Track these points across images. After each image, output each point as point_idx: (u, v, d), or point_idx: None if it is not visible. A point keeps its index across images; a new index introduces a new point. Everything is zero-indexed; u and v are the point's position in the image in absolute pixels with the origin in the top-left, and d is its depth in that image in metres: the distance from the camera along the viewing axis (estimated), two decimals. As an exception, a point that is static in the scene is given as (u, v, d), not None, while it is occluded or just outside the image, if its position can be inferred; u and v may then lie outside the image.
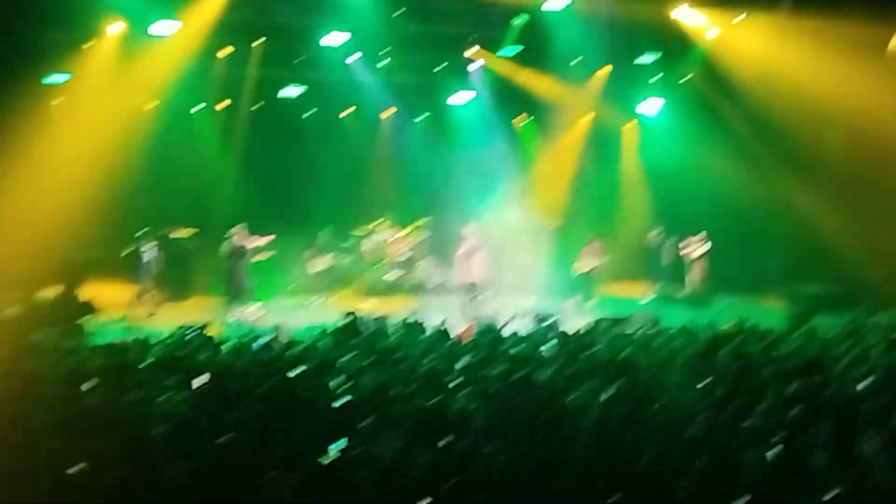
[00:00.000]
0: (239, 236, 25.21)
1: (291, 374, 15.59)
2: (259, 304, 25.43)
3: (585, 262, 27.94)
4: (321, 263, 27.16)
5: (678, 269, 29.39)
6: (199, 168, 28.87)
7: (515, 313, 21.40)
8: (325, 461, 11.92)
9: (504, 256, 29.79)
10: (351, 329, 19.46)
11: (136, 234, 25.77)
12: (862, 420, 12.23)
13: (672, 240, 29.67)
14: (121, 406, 13.82)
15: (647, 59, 30.00)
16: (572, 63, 29.78)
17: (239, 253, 25.20)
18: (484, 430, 13.03)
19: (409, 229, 29.72)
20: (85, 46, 26.10)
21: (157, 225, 27.52)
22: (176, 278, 27.30)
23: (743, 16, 27.92)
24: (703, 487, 10.40)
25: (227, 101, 29.66)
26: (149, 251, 25.61)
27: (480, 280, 25.83)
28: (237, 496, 10.80)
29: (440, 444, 12.18)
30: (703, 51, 29.41)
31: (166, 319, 21.89)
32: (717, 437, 12.05)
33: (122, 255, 25.54)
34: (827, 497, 10.02)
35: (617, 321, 21.80)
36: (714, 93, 30.18)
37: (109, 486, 10.98)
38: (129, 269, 25.89)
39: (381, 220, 29.76)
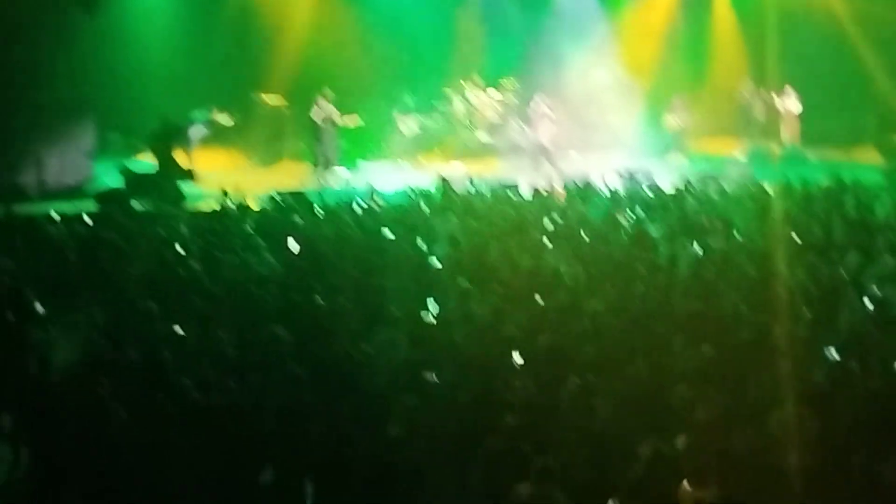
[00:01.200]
0: (325, 106, 25.31)
1: (388, 237, 15.80)
2: (348, 167, 25.60)
3: (674, 118, 27.61)
4: (411, 124, 27.05)
5: (771, 123, 28.84)
6: (288, 34, 28.71)
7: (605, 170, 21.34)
8: (426, 319, 12.14)
9: (592, 114, 29.55)
10: (445, 191, 19.60)
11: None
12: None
13: (764, 93, 29.05)
14: (220, 269, 14.16)
15: None
16: None
17: (328, 120, 25.33)
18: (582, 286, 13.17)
19: (497, 89, 29.41)
20: None
21: (247, 89, 27.70)
22: (265, 143, 27.47)
23: None
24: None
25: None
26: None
27: (549, 145, 25.93)
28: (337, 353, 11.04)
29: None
30: None
31: (258, 184, 22.09)
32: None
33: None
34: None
35: (712, 177, 21.65)
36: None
37: (207, 344, 11.33)
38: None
39: (470, 79, 29.47)
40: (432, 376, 10.27)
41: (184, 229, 16.30)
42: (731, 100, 29.74)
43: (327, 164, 25.17)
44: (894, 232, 15.66)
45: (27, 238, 15.38)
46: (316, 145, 25.57)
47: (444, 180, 20.62)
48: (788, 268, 13.58)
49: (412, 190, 20.07)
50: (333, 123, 25.30)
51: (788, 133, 28.19)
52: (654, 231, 16.05)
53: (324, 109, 25.48)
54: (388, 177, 24.50)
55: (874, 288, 12.79)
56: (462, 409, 9.64)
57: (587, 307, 12.00)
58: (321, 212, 18.03)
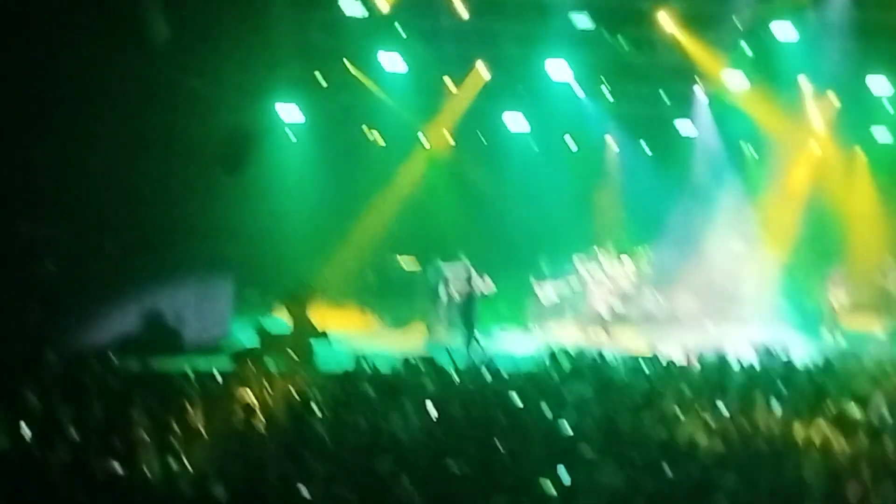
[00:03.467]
0: (464, 272, 25.64)
1: (517, 403, 15.70)
2: (482, 332, 25.69)
3: (833, 295, 27.07)
4: (547, 290, 27.10)
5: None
6: (425, 197, 29.26)
7: (741, 345, 20.98)
8: (550, 490, 11.93)
9: (729, 286, 29.29)
10: (575, 360, 19.49)
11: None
12: None
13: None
14: (349, 432, 14.19)
15: (879, 81, 28.93)
16: (797, 89, 29.12)
17: (465, 284, 25.54)
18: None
19: (630, 258, 29.44)
20: (319, 80, 26.91)
21: (384, 251, 28.19)
22: (399, 305, 27.74)
23: None
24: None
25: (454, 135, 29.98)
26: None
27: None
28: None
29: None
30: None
31: (389, 345, 22.30)
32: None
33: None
34: None
35: (852, 355, 21.16)
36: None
37: None
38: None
39: (604, 246, 29.60)
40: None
41: (315, 390, 16.41)
42: (872, 275, 29.33)
43: (462, 329, 25.28)
44: None
45: (160, 394, 15.57)
46: (450, 310, 25.80)
47: (574, 348, 20.60)
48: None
49: (545, 356, 19.98)
50: (470, 288, 25.49)
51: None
52: (782, 407, 15.64)
53: (460, 274, 25.80)
54: (522, 342, 24.54)
55: None
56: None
57: (722, 482, 11.73)
58: (455, 377, 18.04)
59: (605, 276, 28.88)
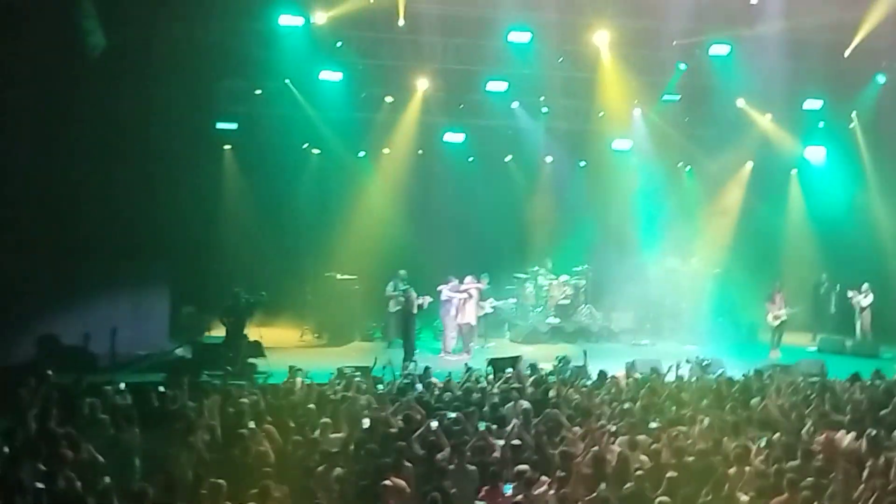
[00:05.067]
0: (402, 288, 25.81)
1: (451, 416, 15.77)
2: (418, 347, 25.74)
3: (775, 311, 27.35)
4: (485, 307, 27.15)
5: (845, 317, 28.79)
6: (362, 212, 29.24)
7: (678, 359, 21.16)
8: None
9: (665, 302, 29.60)
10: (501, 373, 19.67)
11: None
12: None
13: (838, 288, 29.10)
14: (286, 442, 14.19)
15: (813, 104, 29.39)
16: (734, 109, 29.49)
17: (401, 301, 25.66)
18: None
19: (568, 275, 29.62)
20: (256, 93, 26.82)
21: (320, 268, 28.11)
22: (337, 321, 27.67)
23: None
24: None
25: (390, 147, 30.03)
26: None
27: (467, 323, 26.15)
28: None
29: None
30: (873, 97, 28.88)
31: (326, 360, 22.29)
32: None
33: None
34: None
35: (784, 368, 21.47)
36: (882, 140, 29.61)
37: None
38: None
39: (542, 264, 29.74)
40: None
41: (250, 403, 16.32)
42: (806, 292, 29.81)
43: (400, 344, 25.38)
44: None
45: (93, 407, 15.41)
46: (388, 324, 25.80)
47: (504, 361, 20.88)
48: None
49: (477, 371, 20.02)
50: (408, 303, 25.53)
51: (864, 327, 28.12)
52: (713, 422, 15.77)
53: (398, 289, 26.01)
54: (459, 358, 24.61)
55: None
56: None
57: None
58: (389, 390, 18.08)
59: (542, 291, 29.08)
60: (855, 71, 27.92)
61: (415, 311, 25.16)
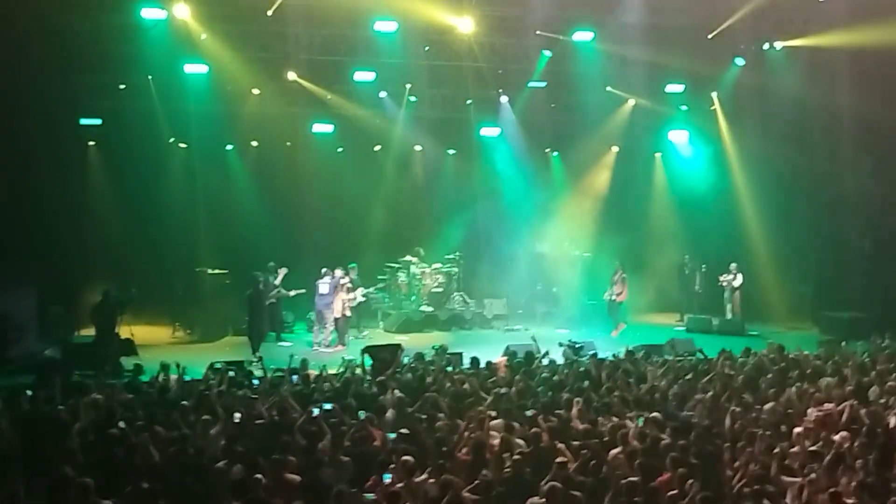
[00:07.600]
0: (272, 280, 25.81)
1: (325, 407, 15.73)
2: (290, 340, 25.66)
3: (615, 291, 27.92)
4: (355, 297, 27.10)
5: (711, 297, 29.48)
6: (231, 205, 29.02)
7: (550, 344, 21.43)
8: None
9: (537, 288, 29.99)
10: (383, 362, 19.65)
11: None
12: None
13: (703, 268, 29.81)
14: (159, 442, 13.97)
15: (675, 88, 29.91)
16: (599, 95, 29.88)
17: (271, 292, 25.60)
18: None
19: (441, 263, 29.73)
20: (120, 88, 26.40)
21: (190, 263, 27.85)
22: (209, 316, 27.40)
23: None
24: None
25: (258, 139, 29.85)
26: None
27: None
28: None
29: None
30: (733, 80, 29.52)
31: (201, 356, 22.04)
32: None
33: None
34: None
35: (653, 348, 21.89)
36: (742, 122, 30.31)
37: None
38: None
39: (414, 253, 29.79)
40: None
41: (122, 401, 16.08)
42: (672, 274, 30.45)
43: (269, 336, 25.27)
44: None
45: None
46: (261, 317, 25.66)
47: (380, 350, 20.91)
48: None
49: (351, 362, 19.99)
50: (278, 295, 25.40)
51: (733, 306, 28.85)
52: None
53: (269, 281, 25.85)
54: (330, 350, 24.62)
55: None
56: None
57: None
58: (260, 383, 17.96)
59: (415, 280, 29.15)
60: (714, 55, 28.41)
61: (266, 301, 25.24)
